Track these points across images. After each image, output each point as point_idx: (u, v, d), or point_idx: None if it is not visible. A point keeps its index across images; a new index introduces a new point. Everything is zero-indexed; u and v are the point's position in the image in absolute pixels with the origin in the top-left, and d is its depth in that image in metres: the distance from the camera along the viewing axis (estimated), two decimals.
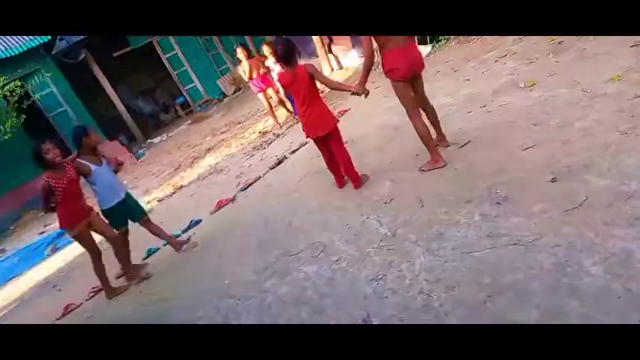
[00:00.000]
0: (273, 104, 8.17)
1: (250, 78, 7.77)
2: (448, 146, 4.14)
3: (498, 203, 3.02)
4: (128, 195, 4.66)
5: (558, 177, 2.99)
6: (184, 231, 5.39)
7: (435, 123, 4.17)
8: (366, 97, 3.97)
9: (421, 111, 3.98)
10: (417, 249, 2.97)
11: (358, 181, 4.22)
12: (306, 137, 4.25)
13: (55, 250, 7.60)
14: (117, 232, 4.57)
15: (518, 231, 2.68)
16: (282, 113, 8.43)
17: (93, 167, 4.36)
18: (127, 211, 4.63)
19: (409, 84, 3.84)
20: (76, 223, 4.35)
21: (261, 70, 7.74)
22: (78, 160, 4.38)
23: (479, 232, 2.84)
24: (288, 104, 8.20)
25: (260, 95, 7.99)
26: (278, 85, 7.73)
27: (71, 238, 4.78)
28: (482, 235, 2.79)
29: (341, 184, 4.40)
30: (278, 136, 7.65)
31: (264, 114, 8.95)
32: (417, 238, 3.08)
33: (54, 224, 9.56)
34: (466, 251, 2.73)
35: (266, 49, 7.63)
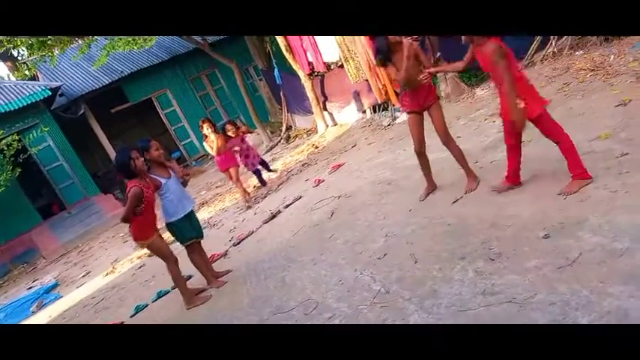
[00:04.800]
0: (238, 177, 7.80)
1: (218, 154, 7.43)
2: (474, 189, 4.12)
3: (492, 259, 2.99)
4: (192, 211, 4.70)
5: (551, 233, 2.98)
6: (159, 296, 5.26)
7: (459, 159, 4.30)
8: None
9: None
10: (410, 306, 2.91)
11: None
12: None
13: (41, 306, 7.39)
14: (184, 246, 4.65)
15: (513, 288, 2.64)
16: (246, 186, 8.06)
17: (163, 181, 4.39)
18: (192, 225, 4.66)
19: (420, 119, 4.29)
20: (151, 234, 4.32)
21: (235, 148, 7.63)
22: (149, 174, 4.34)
23: (473, 289, 2.80)
24: (253, 180, 8.20)
25: (224, 174, 7.81)
26: (240, 162, 7.74)
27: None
28: (477, 293, 2.75)
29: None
30: (249, 207, 7.35)
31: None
32: (410, 294, 3.03)
33: (42, 279, 9.36)
34: (460, 309, 2.68)
35: (229, 129, 7.59)
